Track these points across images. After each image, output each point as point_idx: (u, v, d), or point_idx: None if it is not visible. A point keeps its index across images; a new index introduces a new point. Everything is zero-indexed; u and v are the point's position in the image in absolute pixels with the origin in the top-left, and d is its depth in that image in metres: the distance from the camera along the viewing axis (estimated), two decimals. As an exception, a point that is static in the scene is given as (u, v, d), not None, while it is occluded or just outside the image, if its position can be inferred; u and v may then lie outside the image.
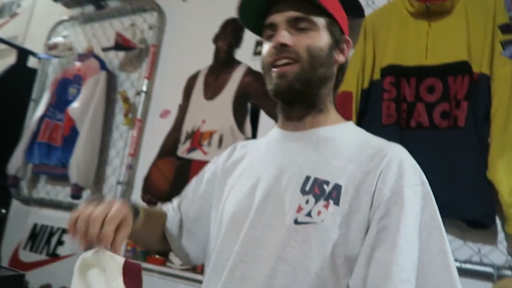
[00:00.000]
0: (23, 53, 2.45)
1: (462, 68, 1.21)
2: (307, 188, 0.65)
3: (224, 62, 1.86)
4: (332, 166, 0.67)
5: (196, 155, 1.76)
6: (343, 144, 0.70)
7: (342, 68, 0.77)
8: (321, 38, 0.72)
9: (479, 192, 1.12)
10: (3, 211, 1.02)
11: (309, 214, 0.63)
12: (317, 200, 0.64)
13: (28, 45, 2.60)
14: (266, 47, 0.73)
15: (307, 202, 0.64)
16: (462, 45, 1.22)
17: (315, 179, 0.66)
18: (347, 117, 1.31)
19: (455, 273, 0.59)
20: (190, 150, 1.79)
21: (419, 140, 1.24)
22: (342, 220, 0.62)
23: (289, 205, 0.65)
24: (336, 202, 0.63)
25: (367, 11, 1.48)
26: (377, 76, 1.34)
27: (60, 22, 2.51)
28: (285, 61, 0.69)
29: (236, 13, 0.75)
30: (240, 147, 0.86)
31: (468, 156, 1.15)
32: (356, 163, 0.66)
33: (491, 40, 1.19)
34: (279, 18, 0.71)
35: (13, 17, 2.92)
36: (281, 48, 0.69)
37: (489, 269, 1.14)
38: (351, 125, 0.77)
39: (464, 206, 1.13)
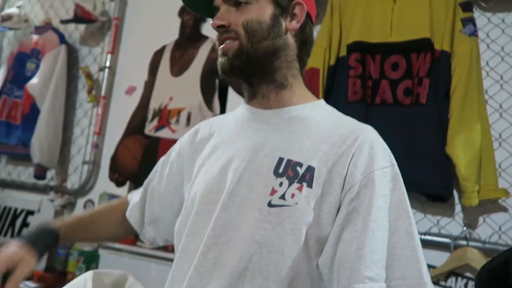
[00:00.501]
0: (-26, 25, 2.29)
1: (424, 45, 1.23)
2: (281, 170, 0.65)
3: (190, 37, 1.81)
4: (305, 147, 0.67)
5: (164, 133, 1.73)
6: (315, 123, 0.70)
7: (304, 34, 0.74)
8: (261, 10, 0.70)
9: (439, 166, 1.17)
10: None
11: (283, 197, 0.63)
12: (290, 182, 0.64)
13: (-21, 16, 2.43)
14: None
15: (280, 184, 0.64)
16: (425, 22, 1.24)
17: (289, 161, 0.66)
18: (314, 94, 1.33)
19: (420, 254, 0.62)
20: (158, 128, 1.76)
21: (384, 117, 1.27)
22: (315, 203, 0.63)
23: (263, 188, 0.65)
24: (310, 185, 0.63)
25: (334, -14, 1.46)
26: (343, 52, 1.35)
27: (13, -8, 2.36)
28: (227, 41, 0.70)
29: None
30: (205, 125, 0.84)
31: (429, 132, 1.20)
32: (329, 144, 0.66)
33: (453, 18, 1.22)
34: (218, 0, 0.72)
35: (-40, -15, 2.71)
36: (220, 29, 0.70)
37: (447, 240, 1.20)
38: (322, 103, 0.76)
39: (425, 180, 1.18)
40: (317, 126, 0.69)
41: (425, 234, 1.23)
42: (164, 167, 0.86)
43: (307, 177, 0.64)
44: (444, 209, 1.24)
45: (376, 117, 1.27)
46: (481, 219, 1.21)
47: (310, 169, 0.64)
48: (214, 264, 0.64)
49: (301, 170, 0.64)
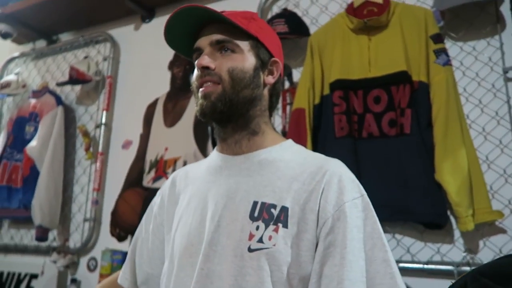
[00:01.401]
0: (-25, 95, 2.37)
1: (402, 77, 1.28)
2: (256, 213, 0.67)
3: (181, 88, 1.87)
4: (277, 188, 0.68)
5: (162, 183, 1.75)
6: (284, 164, 0.72)
7: (275, 89, 0.79)
8: (245, 60, 0.74)
9: (430, 194, 1.19)
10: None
11: (260, 240, 0.64)
12: (266, 225, 0.65)
13: (-21, 86, 2.52)
14: (195, 70, 0.75)
15: (257, 228, 0.65)
16: (400, 56, 1.30)
17: (263, 204, 0.67)
18: (302, 133, 1.37)
19: (399, 281, 0.63)
20: (156, 179, 1.79)
21: (372, 149, 1.30)
22: (293, 242, 0.64)
23: (241, 233, 0.66)
24: (285, 225, 0.65)
25: (312, 29, 1.54)
26: (326, 91, 1.40)
27: (11, 59, 2.47)
28: (209, 83, 0.71)
29: (164, 38, 0.76)
30: (181, 175, 0.85)
31: (416, 160, 1.22)
32: (299, 183, 0.68)
33: (426, 50, 1.27)
34: (204, 42, 0.73)
35: (-39, 58, 2.83)
36: (204, 71, 0.71)
37: (449, 268, 1.19)
38: (290, 143, 0.78)
39: (418, 208, 1.18)
40: (286, 166, 0.71)
41: (427, 263, 1.22)
42: (148, 224, 0.87)
43: (281, 217, 0.65)
44: (444, 236, 1.24)
45: (364, 150, 1.30)
46: (481, 243, 1.20)
47: (284, 209, 0.66)
48: None
49: (275, 212, 0.66)
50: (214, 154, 0.80)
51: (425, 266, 1.22)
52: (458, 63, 1.32)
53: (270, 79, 0.77)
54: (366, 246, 0.63)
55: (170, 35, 0.76)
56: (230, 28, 0.73)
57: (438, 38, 1.27)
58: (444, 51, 1.26)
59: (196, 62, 0.72)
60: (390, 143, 1.27)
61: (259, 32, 0.76)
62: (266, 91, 0.77)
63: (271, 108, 0.79)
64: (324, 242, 0.63)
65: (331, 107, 1.36)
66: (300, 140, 1.35)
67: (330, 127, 1.35)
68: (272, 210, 0.66)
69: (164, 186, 0.87)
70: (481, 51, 1.31)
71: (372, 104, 1.33)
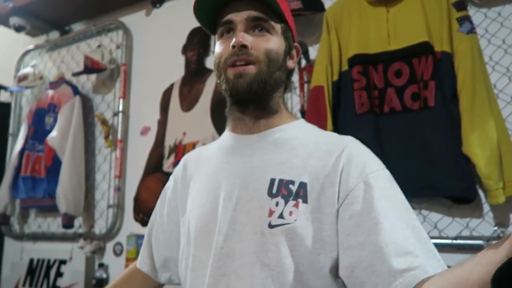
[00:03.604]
0: (-6, 89, 2.42)
1: (424, 49, 1.24)
2: (274, 190, 0.66)
3: (195, 72, 1.86)
4: (294, 165, 0.68)
5: (181, 168, 1.76)
6: (299, 142, 0.71)
7: (291, 73, 0.79)
8: (278, 43, 0.73)
9: (458, 167, 1.15)
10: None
11: (281, 216, 0.64)
12: (286, 201, 0.65)
13: (-3, 80, 2.56)
14: (223, 46, 0.72)
15: (277, 204, 0.65)
16: (421, 26, 1.25)
17: (280, 180, 0.66)
18: (321, 112, 1.34)
19: (432, 245, 0.60)
20: (176, 163, 1.80)
21: (394, 125, 1.26)
22: (314, 216, 0.63)
23: (260, 210, 0.65)
24: (305, 200, 0.64)
25: (327, 4, 1.50)
26: (345, 67, 1.36)
27: (26, 52, 2.49)
28: (243, 62, 0.69)
29: (193, 9, 0.73)
30: (192, 157, 0.85)
31: (441, 134, 1.18)
32: (316, 159, 0.67)
33: (448, 18, 1.22)
34: (238, 17, 0.71)
35: (-22, 53, 2.87)
36: (241, 49, 0.69)
37: (479, 242, 1.17)
38: (302, 122, 0.78)
39: (444, 183, 1.16)
40: (301, 144, 0.71)
41: (456, 238, 1.20)
42: (162, 208, 0.87)
43: (301, 193, 0.65)
44: (472, 211, 1.21)
45: (386, 126, 1.27)
46: None
47: (303, 185, 0.65)
48: None
49: (294, 188, 0.65)
50: (226, 135, 0.80)
51: (454, 241, 1.19)
52: (483, 30, 1.27)
53: (291, 64, 0.77)
54: (401, 221, 0.61)
55: (198, 7, 0.74)
56: (265, 7, 0.71)
57: (460, 5, 1.21)
58: (467, 18, 1.20)
59: (234, 38, 0.69)
60: (413, 117, 1.23)
61: (289, 16, 0.75)
62: (286, 76, 0.77)
63: (286, 89, 0.79)
64: (348, 213, 0.62)
65: (351, 83, 1.33)
66: (319, 118, 1.33)
67: (350, 103, 1.32)
68: (291, 186, 0.66)
69: (176, 170, 0.87)
70: (507, 16, 1.25)
71: (393, 78, 1.29)
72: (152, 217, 0.91)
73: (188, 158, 0.86)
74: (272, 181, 0.67)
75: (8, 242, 2.27)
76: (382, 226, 0.58)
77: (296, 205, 0.64)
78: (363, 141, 0.71)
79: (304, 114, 1.44)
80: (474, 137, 1.12)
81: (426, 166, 1.17)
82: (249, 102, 0.72)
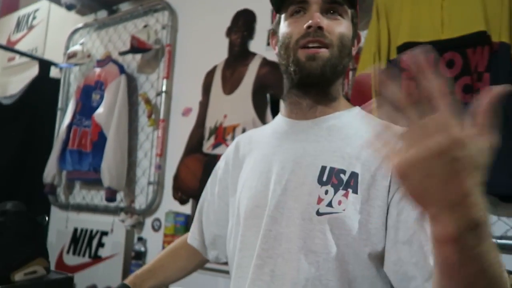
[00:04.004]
0: (45, 64, 2.52)
1: (480, 38, 1.18)
2: (325, 178, 0.66)
3: (239, 55, 1.87)
4: (346, 154, 0.67)
5: (221, 150, 1.79)
6: (353, 131, 0.70)
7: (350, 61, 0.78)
8: (349, 28, 0.73)
9: (508, 164, 1.11)
10: (46, 218, 1.09)
11: (330, 205, 0.64)
12: (336, 190, 0.65)
13: (48, 56, 2.68)
14: (293, 26, 0.71)
15: (326, 192, 0.65)
16: (479, 15, 1.19)
17: (332, 169, 0.66)
18: (366, 100, 1.32)
19: None
20: (215, 145, 1.83)
21: (443, 117, 1.22)
22: (362, 208, 0.63)
23: (309, 197, 0.66)
24: (355, 191, 0.64)
25: (378, -11, 1.45)
26: (393, 55, 1.33)
27: (76, 30, 2.58)
28: (317, 44, 0.68)
29: None
30: (245, 140, 0.86)
31: (494, 128, 1.14)
32: (369, 149, 0.66)
33: (509, 6, 1.16)
34: None
35: (30, 29, 3.01)
36: (317, 31, 0.68)
37: (525, 242, 1.13)
38: (358, 110, 0.76)
39: (494, 180, 1.11)
40: (355, 134, 0.70)
41: (500, 238, 1.16)
42: (213, 187, 0.90)
43: (351, 183, 0.64)
44: (520, 209, 1.17)
45: (434, 117, 1.23)
46: None
47: (354, 175, 0.65)
48: (272, 277, 0.65)
49: (345, 177, 0.65)
50: (280, 119, 0.80)
51: (499, 241, 1.16)
52: (547, 21, 1.19)
53: (353, 51, 0.76)
54: None
55: None
56: None
57: (525, -7, 1.15)
58: (531, 8, 1.14)
59: (311, 20, 0.68)
60: (465, 110, 1.19)
61: (357, 3, 0.75)
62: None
63: (344, 78, 0.78)
64: (397, 208, 0.61)
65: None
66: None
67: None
68: (342, 175, 0.65)
69: (228, 151, 0.89)
70: None
71: (444, 69, 1.25)
72: (203, 195, 0.93)
73: (240, 139, 0.87)
74: (323, 168, 0.67)
75: (55, 211, 2.41)
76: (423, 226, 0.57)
77: (346, 195, 0.64)
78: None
79: (348, 102, 1.42)
80: (529, 133, 1.07)
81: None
82: (315, 86, 0.72)
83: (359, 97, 1.34)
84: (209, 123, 1.88)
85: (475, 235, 0.38)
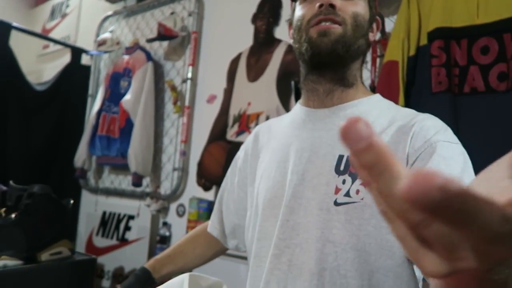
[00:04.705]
0: (76, 52, 2.59)
1: (519, 23, 1.11)
2: (342, 167, 0.65)
3: (264, 42, 1.84)
4: None
5: (245, 137, 1.79)
6: (372, 119, 0.68)
7: (369, 47, 0.75)
8: (365, 10, 0.71)
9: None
10: (71, 201, 1.12)
11: (347, 194, 0.63)
12: (353, 179, 0.63)
13: (80, 43, 2.75)
14: (306, 8, 0.70)
15: (343, 182, 0.64)
16: (519, -2, 1.11)
17: (349, 158, 0.65)
18: (393, 88, 1.28)
19: None
20: (239, 133, 1.83)
21: (475, 107, 1.17)
22: None
23: (326, 187, 0.65)
24: None
25: (410, -28, 1.38)
26: (424, 41, 1.27)
27: (106, 18, 2.62)
28: (329, 22, 0.67)
29: None
30: (264, 129, 0.85)
31: (530, 119, 1.07)
32: (387, 136, 0.64)
33: (553, -11, 1.08)
34: None
35: (63, 17, 3.09)
36: (329, 9, 0.67)
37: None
38: (379, 98, 0.74)
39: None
40: (374, 122, 0.67)
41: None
42: (233, 177, 0.90)
43: None
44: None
45: (466, 107, 1.18)
46: None
47: None
48: (289, 266, 0.65)
49: None
50: (297, 108, 0.79)
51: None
52: None
53: (371, 36, 0.74)
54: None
55: None
56: None
57: None
58: None
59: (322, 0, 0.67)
60: (499, 99, 1.13)
61: None
62: (367, 48, 0.74)
63: (363, 63, 0.76)
64: None
65: (429, 59, 1.24)
66: (391, 95, 1.26)
67: (426, 81, 1.24)
68: None
69: (248, 141, 0.88)
70: None
71: (478, 55, 1.18)
72: (223, 184, 0.94)
73: (259, 129, 0.87)
74: (341, 157, 0.66)
75: (85, 195, 2.49)
76: None
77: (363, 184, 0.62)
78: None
79: (374, 90, 1.38)
80: None
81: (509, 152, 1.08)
82: (328, 66, 0.70)
83: (386, 85, 1.30)
84: (233, 111, 1.87)
85: None
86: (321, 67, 0.71)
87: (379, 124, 0.67)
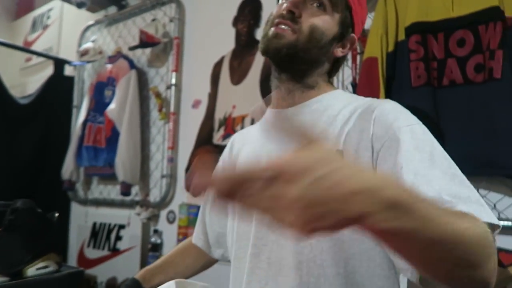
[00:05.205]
0: (59, 63, 2.57)
1: (493, 14, 1.13)
2: None
3: (246, 44, 1.85)
4: (330, 135, 0.67)
5: (231, 140, 1.79)
6: (335, 112, 0.70)
7: (338, 61, 0.77)
8: (330, 25, 0.72)
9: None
10: (56, 214, 1.11)
11: None
12: None
13: (63, 54, 2.73)
14: (279, 7, 0.73)
15: None
16: (491, -10, 1.13)
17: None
18: (374, 84, 1.29)
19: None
20: (225, 136, 1.83)
21: (454, 98, 1.18)
22: None
23: None
24: None
25: (385, -31, 1.40)
26: (402, 36, 1.28)
27: (87, 28, 2.61)
28: (286, 27, 0.69)
29: None
30: (238, 138, 0.87)
31: (508, 108, 1.09)
32: (350, 125, 0.66)
33: (523, -21, 1.09)
34: None
35: (45, 29, 3.06)
36: (289, 14, 0.69)
37: (543, 224, 1.08)
38: (340, 92, 0.76)
39: (509, 161, 1.07)
40: (337, 114, 0.69)
41: (516, 220, 1.12)
42: None
43: None
44: (538, 192, 1.12)
45: (445, 99, 1.19)
46: None
47: (339, 153, 0.63)
48: (269, 264, 0.66)
49: None
50: (267, 111, 0.80)
51: (514, 223, 1.12)
52: None
53: (339, 52, 0.75)
54: (432, 164, 0.56)
55: None
56: None
57: (539, -36, 1.08)
58: (546, -22, 1.07)
59: (287, 3, 0.70)
60: (476, 90, 1.14)
61: (354, 4, 0.73)
62: (329, 60, 0.75)
63: (330, 74, 0.78)
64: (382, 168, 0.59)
65: (407, 54, 1.25)
66: (372, 91, 1.27)
67: (406, 76, 1.25)
68: None
69: (225, 150, 0.90)
70: None
71: (455, 48, 1.19)
72: (205, 196, 0.94)
73: (234, 137, 0.89)
74: None
75: (75, 206, 2.47)
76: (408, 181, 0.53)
77: None
78: (418, 116, 0.67)
79: (355, 87, 1.39)
80: (545, 112, 1.02)
81: (488, 142, 1.09)
82: (279, 66, 0.73)
83: (367, 82, 1.31)
84: (219, 115, 1.87)
85: (396, 210, 0.34)
86: (276, 66, 0.73)
87: (342, 115, 0.68)
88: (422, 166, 0.55)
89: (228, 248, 0.81)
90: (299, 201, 0.32)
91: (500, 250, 1.14)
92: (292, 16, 0.69)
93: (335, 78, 1.12)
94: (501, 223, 1.16)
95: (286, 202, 0.32)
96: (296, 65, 0.71)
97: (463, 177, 0.56)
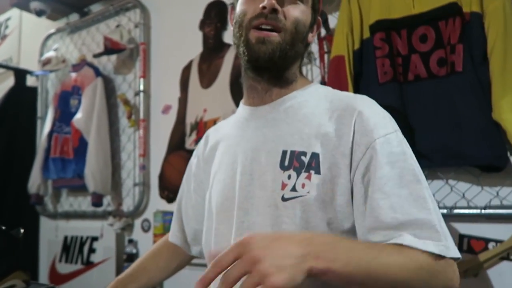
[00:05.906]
0: (20, 73, 2.47)
1: (451, 10, 1.17)
2: (286, 163, 0.65)
3: (214, 47, 1.83)
4: (305, 135, 0.66)
5: (203, 145, 1.77)
6: (311, 110, 0.69)
7: (307, 46, 0.77)
8: (307, 15, 0.71)
9: (487, 135, 1.10)
10: (22, 230, 1.06)
11: (293, 189, 0.63)
12: (298, 173, 0.64)
13: (24, 65, 2.62)
14: (249, 4, 0.69)
15: (289, 177, 0.64)
16: (449, -13, 1.17)
17: (292, 152, 0.65)
18: (342, 82, 1.30)
19: (437, 217, 0.58)
20: (198, 141, 1.80)
21: (420, 93, 1.22)
22: (327, 187, 0.62)
23: (273, 183, 0.65)
24: (317, 171, 0.63)
25: (347, -31, 1.42)
26: (366, 34, 1.31)
27: (48, 36, 2.52)
28: (269, 27, 0.67)
29: None
30: (212, 133, 0.86)
31: (470, 100, 1.13)
32: (327, 127, 0.65)
33: (478, -24, 1.14)
34: None
35: (3, 39, 2.94)
36: (272, 13, 0.66)
37: (510, 211, 1.12)
38: (315, 87, 0.75)
39: (474, 151, 1.11)
40: (313, 112, 0.69)
41: (485, 208, 1.16)
42: (189, 183, 0.89)
43: (313, 164, 0.63)
44: (502, 179, 1.16)
45: (411, 94, 1.22)
46: (545, 183, 1.12)
47: (315, 156, 0.64)
48: None
49: (306, 159, 0.64)
50: (240, 107, 0.79)
51: (483, 211, 1.15)
52: (516, -13, 1.18)
53: (310, 38, 0.75)
54: (400, 182, 0.59)
55: None
56: None
57: (492, -40, 1.13)
58: (499, -26, 1.12)
59: (266, 1, 0.65)
60: (440, 83, 1.18)
61: None
62: (305, 49, 0.75)
63: (302, 62, 0.77)
64: (363, 184, 0.61)
65: (373, 51, 1.28)
66: (341, 89, 1.26)
67: (373, 72, 1.27)
68: (303, 157, 0.65)
69: (199, 146, 0.88)
70: (543, -30, 1.15)
71: (417, 44, 1.23)
72: (180, 192, 0.93)
73: (209, 133, 0.87)
74: (284, 153, 0.66)
75: (44, 221, 2.38)
76: (376, 198, 0.59)
77: (308, 177, 0.63)
78: (388, 112, 0.68)
79: (324, 85, 1.41)
80: (505, 102, 1.06)
81: (454, 134, 1.13)
82: (266, 70, 0.70)
83: (335, 80, 1.32)
84: (190, 119, 1.85)
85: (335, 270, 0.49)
86: (258, 70, 0.71)
87: (318, 115, 0.68)
88: (391, 183, 0.58)
89: (203, 246, 0.80)
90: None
91: (470, 237, 1.18)
92: (275, 15, 0.66)
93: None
94: (470, 211, 1.18)
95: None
96: (284, 63, 0.70)
97: (427, 198, 0.59)
